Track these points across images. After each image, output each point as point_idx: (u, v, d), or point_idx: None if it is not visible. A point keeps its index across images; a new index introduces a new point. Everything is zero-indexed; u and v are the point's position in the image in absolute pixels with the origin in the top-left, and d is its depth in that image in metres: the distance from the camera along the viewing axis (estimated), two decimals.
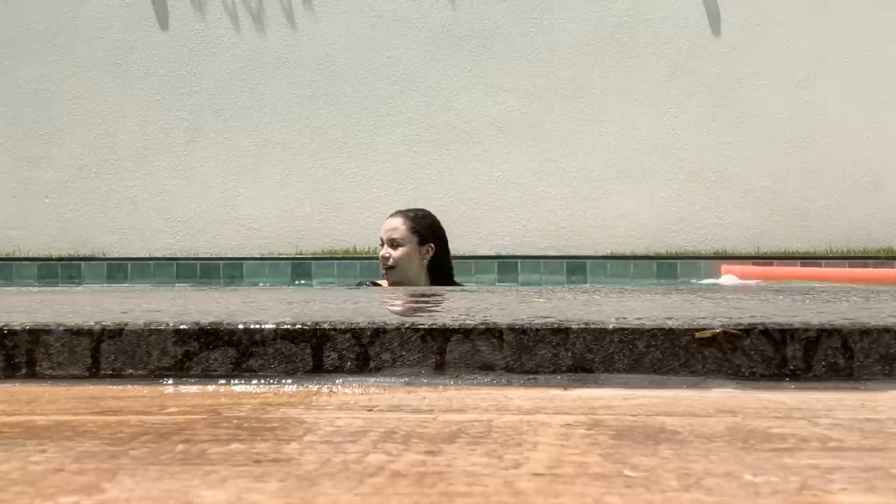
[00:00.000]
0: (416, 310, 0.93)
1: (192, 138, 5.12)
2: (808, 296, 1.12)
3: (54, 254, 4.93)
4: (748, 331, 0.75)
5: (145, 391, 0.75)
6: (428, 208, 5.16)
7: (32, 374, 0.79)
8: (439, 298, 1.14)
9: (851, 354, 0.74)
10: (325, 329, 0.77)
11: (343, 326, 0.77)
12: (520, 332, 0.76)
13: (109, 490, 0.46)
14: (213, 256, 4.84)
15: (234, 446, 0.56)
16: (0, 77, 5.16)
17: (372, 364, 0.77)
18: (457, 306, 0.97)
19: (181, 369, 0.78)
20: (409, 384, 0.76)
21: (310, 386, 0.76)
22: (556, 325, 0.76)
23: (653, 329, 0.75)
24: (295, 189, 5.08)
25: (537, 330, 0.76)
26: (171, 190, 5.11)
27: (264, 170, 5.09)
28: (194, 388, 0.76)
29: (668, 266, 4.53)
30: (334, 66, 5.12)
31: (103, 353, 0.78)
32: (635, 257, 4.54)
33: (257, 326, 0.78)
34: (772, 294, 1.17)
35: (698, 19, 5.06)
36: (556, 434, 0.58)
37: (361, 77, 5.10)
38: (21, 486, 0.47)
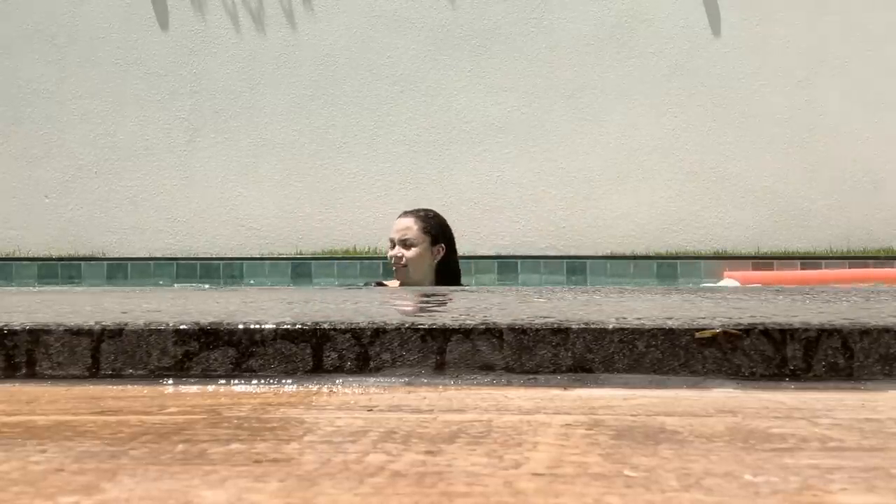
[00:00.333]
0: (416, 310, 0.93)
1: (192, 138, 5.12)
2: (808, 296, 1.12)
3: (54, 254, 4.93)
4: (748, 331, 0.75)
5: (145, 391, 0.75)
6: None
7: (32, 374, 0.79)
8: (439, 298, 1.14)
9: (851, 354, 0.74)
10: (325, 329, 0.77)
11: (343, 326, 0.77)
12: (520, 332, 0.76)
13: (109, 490, 0.46)
14: (213, 256, 4.84)
15: (234, 446, 0.56)
16: (0, 77, 5.16)
17: (372, 364, 0.77)
18: (457, 306, 0.97)
19: (181, 369, 0.78)
20: (409, 384, 0.76)
21: (310, 386, 0.76)
22: (556, 325, 0.76)
23: (653, 329, 0.75)
24: (295, 189, 5.08)
25: (537, 330, 0.76)
26: (171, 190, 5.11)
27: (264, 170, 5.09)
28: (194, 388, 0.76)
29: (668, 266, 4.53)
30: (334, 66, 5.12)
31: (103, 353, 0.78)
32: (635, 257, 4.54)
33: (257, 326, 0.78)
34: (772, 294, 1.17)
35: (698, 19, 5.06)
36: (556, 434, 0.58)
37: (361, 77, 5.10)
38: (21, 486, 0.47)
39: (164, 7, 5.17)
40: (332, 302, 1.03)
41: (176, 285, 4.60)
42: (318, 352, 0.77)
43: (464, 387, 0.75)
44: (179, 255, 4.86)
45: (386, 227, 5.06)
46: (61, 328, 0.78)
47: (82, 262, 4.77)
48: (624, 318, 0.79)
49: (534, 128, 5.03)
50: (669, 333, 0.75)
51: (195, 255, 4.87)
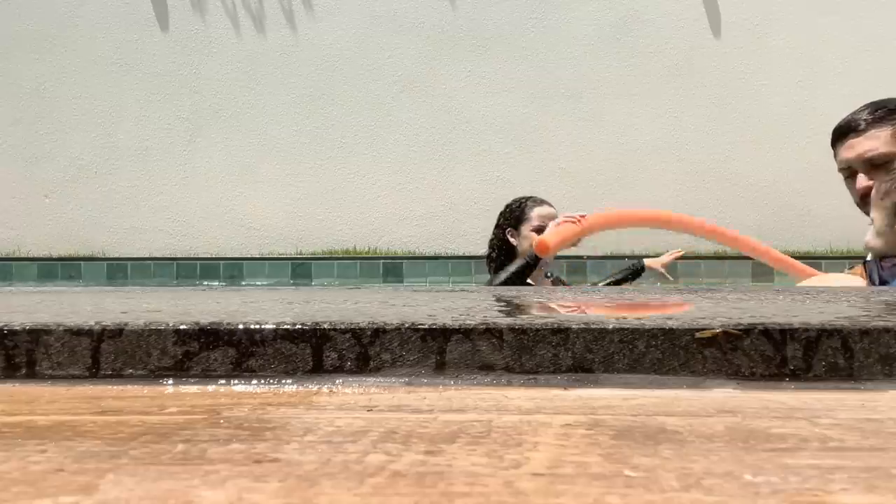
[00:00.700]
0: (416, 309, 0.93)
1: (192, 138, 5.12)
2: (808, 296, 1.12)
3: (54, 254, 4.93)
4: (748, 331, 0.75)
5: (145, 391, 0.75)
6: (428, 208, 5.19)
7: (32, 374, 0.79)
8: (441, 298, 1.14)
9: (851, 354, 0.74)
10: (325, 329, 0.77)
11: (343, 326, 0.77)
12: (520, 332, 0.76)
13: (109, 490, 0.46)
14: (213, 256, 4.84)
15: (234, 446, 0.56)
16: (0, 77, 5.17)
17: (372, 364, 0.77)
18: (457, 306, 0.97)
19: (181, 369, 0.78)
20: (409, 384, 0.75)
21: (310, 386, 0.76)
22: (556, 325, 0.76)
23: (653, 329, 0.75)
24: (295, 189, 5.09)
25: (537, 330, 0.76)
26: (171, 190, 5.11)
27: (264, 170, 5.09)
28: (194, 388, 0.75)
29: (668, 267, 4.52)
30: (334, 66, 5.12)
31: (103, 353, 0.78)
32: (635, 257, 4.54)
33: (257, 326, 0.78)
34: (772, 294, 1.17)
35: (698, 19, 5.06)
36: (556, 434, 0.58)
37: (361, 77, 5.10)
38: (21, 485, 0.47)
39: (163, 7, 5.17)
40: (332, 302, 1.03)
41: (176, 285, 4.61)
42: (318, 352, 0.77)
43: (464, 387, 0.74)
44: (179, 255, 4.87)
45: (386, 227, 5.08)
46: (61, 328, 0.78)
47: (82, 262, 4.77)
48: (624, 318, 0.79)
49: (534, 128, 5.04)
50: (669, 333, 0.75)
51: (195, 255, 4.88)
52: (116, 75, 5.15)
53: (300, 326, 0.77)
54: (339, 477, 0.48)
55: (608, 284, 3.12)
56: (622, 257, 4.51)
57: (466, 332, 0.76)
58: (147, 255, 4.89)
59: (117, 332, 0.77)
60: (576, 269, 4.41)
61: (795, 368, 0.74)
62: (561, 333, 0.75)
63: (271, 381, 0.76)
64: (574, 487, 0.46)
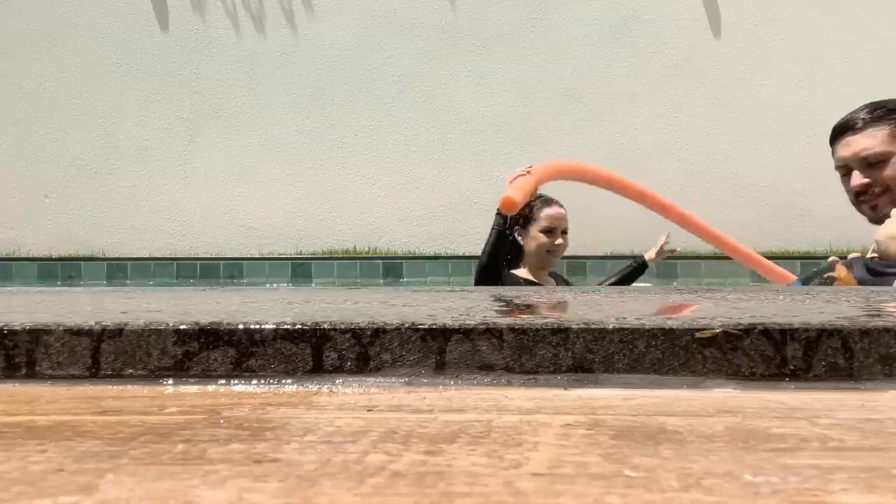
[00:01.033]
0: (416, 309, 0.93)
1: (192, 138, 5.12)
2: (808, 296, 1.12)
3: (54, 254, 4.93)
4: (748, 331, 0.75)
5: (145, 391, 0.75)
6: (428, 208, 5.19)
7: (32, 374, 0.79)
8: (441, 298, 1.14)
9: (851, 354, 0.74)
10: (325, 329, 0.77)
11: (343, 326, 0.77)
12: (520, 332, 0.76)
13: (109, 490, 0.46)
14: (213, 256, 4.85)
15: (234, 446, 0.56)
16: (0, 77, 5.17)
17: (372, 364, 0.77)
18: (457, 306, 0.97)
19: (181, 369, 0.78)
20: (409, 384, 0.75)
21: (310, 386, 0.75)
22: (556, 325, 0.76)
23: (653, 329, 0.75)
24: (295, 189, 5.09)
25: (537, 330, 0.76)
26: (171, 190, 5.11)
27: (264, 170, 5.09)
28: (194, 388, 0.75)
29: (668, 266, 4.53)
30: (334, 66, 5.12)
31: (103, 353, 0.78)
32: (635, 257, 4.54)
33: (257, 326, 0.78)
34: (772, 294, 1.17)
35: (698, 19, 5.06)
36: (556, 434, 0.58)
37: (361, 77, 5.10)
38: (21, 486, 0.47)
39: (164, 7, 5.17)
40: (332, 302, 1.03)
41: (176, 285, 4.61)
42: (318, 352, 0.77)
43: (464, 387, 0.74)
44: (179, 255, 4.87)
45: (386, 227, 5.08)
46: (61, 328, 0.78)
47: (82, 262, 4.77)
48: (624, 318, 0.79)
49: (534, 128, 5.04)
50: (669, 333, 0.75)
51: (195, 255, 4.88)
52: (116, 75, 5.15)
53: (300, 326, 0.77)
54: (339, 477, 0.48)
55: (613, 283, 3.12)
56: (622, 257, 4.51)
57: (466, 332, 0.76)
58: (147, 255, 4.89)
59: (117, 332, 0.77)
60: (575, 270, 4.41)
61: (795, 368, 0.74)
62: (561, 333, 0.75)
63: (271, 381, 0.76)
64: (574, 487, 0.46)
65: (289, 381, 0.76)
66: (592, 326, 0.75)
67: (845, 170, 1.95)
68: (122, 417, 0.64)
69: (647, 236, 4.82)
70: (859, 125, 1.90)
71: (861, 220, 1.99)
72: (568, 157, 5.01)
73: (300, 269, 4.70)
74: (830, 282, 1.71)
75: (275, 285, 4.53)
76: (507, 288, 2.04)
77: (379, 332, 0.76)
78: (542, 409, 0.66)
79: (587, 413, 0.64)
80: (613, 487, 0.45)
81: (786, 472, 0.48)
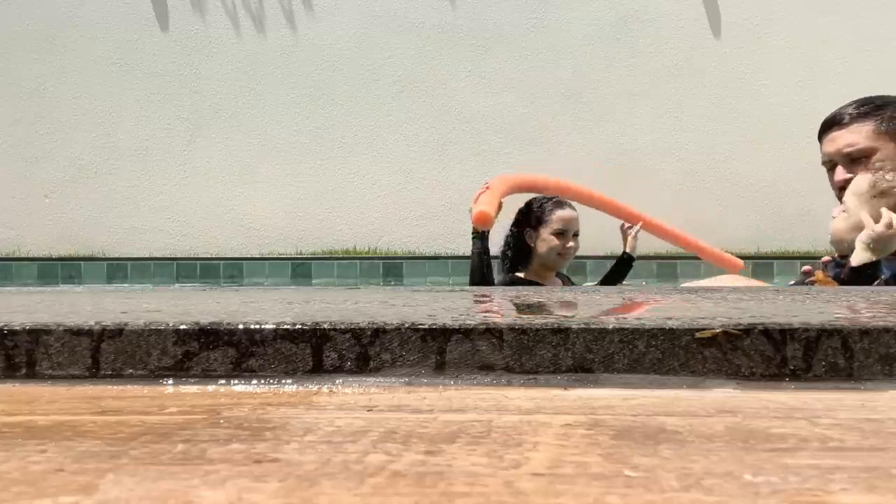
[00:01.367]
0: (416, 309, 0.93)
1: (192, 138, 5.12)
2: (807, 296, 1.12)
3: (54, 254, 4.93)
4: (748, 331, 0.75)
5: (145, 391, 0.75)
6: (428, 208, 5.19)
7: (32, 374, 0.79)
8: (441, 298, 1.14)
9: (851, 354, 0.74)
10: (325, 329, 0.77)
11: (343, 326, 0.77)
12: (520, 332, 0.76)
13: (109, 490, 0.46)
14: (213, 256, 4.85)
15: (234, 446, 0.56)
16: (0, 77, 5.17)
17: (372, 364, 0.77)
18: (457, 306, 0.97)
19: (181, 369, 0.78)
20: (409, 384, 0.75)
21: (310, 386, 0.75)
22: (556, 325, 0.76)
23: (653, 329, 0.75)
24: (295, 189, 5.09)
25: (537, 330, 0.76)
26: (171, 190, 5.11)
27: (264, 170, 5.09)
28: (194, 388, 0.75)
29: (668, 266, 4.53)
30: (334, 66, 5.12)
31: (103, 353, 0.78)
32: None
33: (257, 326, 0.78)
34: (772, 294, 1.17)
35: (698, 19, 5.06)
36: (556, 434, 0.58)
37: (361, 77, 5.10)
38: (21, 486, 0.47)
39: (164, 7, 5.17)
40: (332, 302, 1.03)
41: (176, 285, 4.61)
42: (318, 352, 0.77)
43: (464, 387, 0.74)
44: (179, 255, 4.87)
45: (386, 227, 5.08)
46: (61, 328, 0.78)
47: (82, 262, 4.77)
48: (624, 318, 0.79)
49: (534, 127, 5.04)
50: (669, 333, 0.75)
51: (195, 255, 4.88)
52: (116, 75, 5.15)
53: (300, 326, 0.77)
54: (339, 477, 0.48)
55: (603, 283, 3.12)
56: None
57: (466, 332, 0.76)
58: (147, 255, 4.89)
59: (117, 332, 0.77)
60: (576, 270, 4.41)
61: (795, 368, 0.74)
62: (561, 333, 0.75)
63: (271, 381, 0.76)
64: (574, 487, 0.46)
65: (289, 381, 0.76)
66: (592, 326, 0.75)
67: (830, 164, 1.96)
68: (122, 417, 0.64)
69: (647, 237, 4.83)
70: (845, 121, 1.91)
71: None
72: (568, 156, 5.01)
73: (300, 269, 4.70)
74: (811, 285, 1.73)
75: (268, 285, 4.53)
76: (507, 288, 2.04)
77: (379, 332, 0.76)
78: (542, 409, 0.66)
79: (587, 413, 0.64)
80: (613, 487, 0.45)
81: (786, 472, 0.48)
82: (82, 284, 4.64)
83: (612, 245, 4.75)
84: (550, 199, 2.87)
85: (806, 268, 1.93)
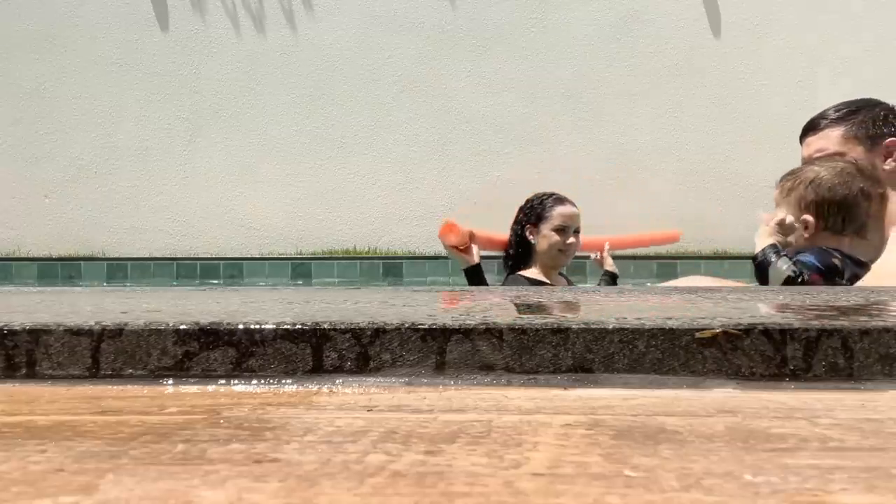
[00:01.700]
0: (416, 309, 0.93)
1: (192, 138, 5.12)
2: (807, 296, 1.12)
3: (54, 254, 4.93)
4: (748, 331, 0.75)
5: (145, 391, 0.75)
6: (428, 208, 5.19)
7: (32, 374, 0.79)
8: (441, 298, 1.14)
9: (851, 354, 0.74)
10: (325, 329, 0.77)
11: (343, 326, 0.77)
12: (520, 332, 0.76)
13: (109, 490, 0.46)
14: (213, 256, 4.84)
15: (234, 446, 0.56)
16: (0, 77, 5.17)
17: (372, 364, 0.77)
18: (457, 306, 0.97)
19: (181, 369, 0.78)
20: (409, 384, 0.75)
21: (310, 386, 0.75)
22: (556, 325, 0.76)
23: (653, 329, 0.75)
24: (295, 189, 5.09)
25: (537, 330, 0.76)
26: (171, 190, 5.11)
27: (264, 170, 5.09)
28: (194, 388, 0.75)
29: (668, 266, 4.53)
30: (334, 66, 5.12)
31: (103, 353, 0.78)
32: (635, 258, 4.55)
33: (257, 326, 0.78)
34: (772, 294, 1.17)
35: (698, 19, 5.06)
36: (556, 434, 0.58)
37: (361, 77, 5.10)
38: (21, 486, 0.47)
39: (164, 7, 5.17)
40: (332, 302, 1.03)
41: (175, 285, 4.61)
42: (318, 352, 0.77)
43: (464, 387, 0.74)
44: (179, 255, 4.87)
45: (386, 227, 5.07)
46: (61, 328, 0.78)
47: (82, 262, 4.77)
48: (624, 318, 0.79)
49: (533, 128, 5.04)
50: (669, 333, 0.75)
51: (195, 255, 4.88)
52: (116, 75, 5.15)
53: (300, 326, 0.77)
54: (339, 477, 0.48)
55: None
56: (622, 258, 4.50)
57: (466, 332, 0.76)
58: (147, 255, 4.89)
59: (117, 332, 0.77)
60: (575, 271, 4.40)
61: (795, 368, 0.74)
62: (561, 333, 0.75)
63: (271, 381, 0.76)
64: (574, 487, 0.46)
65: (289, 381, 0.76)
66: (592, 326, 0.75)
67: None
68: (122, 417, 0.64)
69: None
70: (820, 126, 1.96)
71: None
72: (568, 157, 5.01)
73: (300, 269, 4.70)
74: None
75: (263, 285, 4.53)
76: (507, 288, 2.03)
77: (379, 332, 0.76)
78: (542, 409, 0.66)
79: (587, 413, 0.64)
80: (613, 487, 0.45)
81: (786, 472, 0.48)
82: (82, 284, 4.64)
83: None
84: (551, 195, 2.87)
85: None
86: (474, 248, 2.74)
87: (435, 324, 0.77)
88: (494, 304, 1.02)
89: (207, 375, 0.77)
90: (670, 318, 0.78)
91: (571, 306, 1.05)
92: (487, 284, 2.76)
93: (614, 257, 3.16)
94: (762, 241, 1.95)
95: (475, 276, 2.74)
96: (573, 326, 0.76)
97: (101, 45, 5.15)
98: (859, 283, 1.70)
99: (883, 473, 0.48)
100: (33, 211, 5.13)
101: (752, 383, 0.74)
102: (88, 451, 0.54)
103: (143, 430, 0.60)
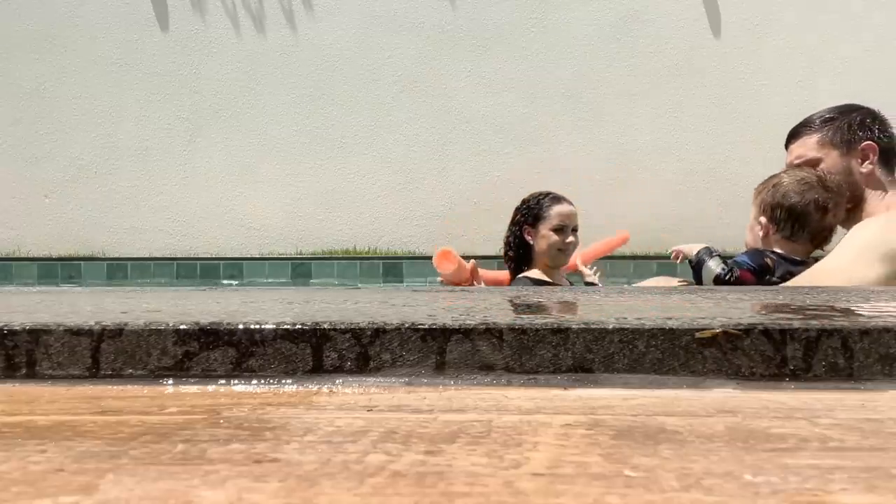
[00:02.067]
0: (416, 309, 0.93)
1: (192, 138, 5.12)
2: (807, 296, 1.12)
3: (54, 254, 4.93)
4: (748, 331, 0.75)
5: (145, 391, 0.75)
6: (428, 208, 5.19)
7: (32, 374, 0.79)
8: (441, 298, 1.14)
9: (851, 354, 0.74)
10: (325, 329, 0.77)
11: (343, 326, 0.77)
12: (520, 332, 0.76)
13: (109, 490, 0.46)
14: (213, 256, 4.84)
15: (234, 446, 0.56)
16: (0, 77, 5.16)
17: (372, 364, 0.77)
18: (457, 306, 0.97)
19: (181, 369, 0.78)
20: (409, 384, 0.75)
21: (310, 386, 0.75)
22: (556, 325, 0.76)
23: (653, 329, 0.75)
24: (295, 189, 5.09)
25: (537, 330, 0.76)
26: (171, 190, 5.11)
27: (264, 170, 5.09)
28: (194, 388, 0.75)
29: (668, 266, 4.53)
30: (334, 66, 5.12)
31: (103, 353, 0.78)
32: (635, 257, 4.55)
33: (257, 326, 0.78)
34: (771, 294, 1.17)
35: (698, 19, 5.06)
36: (556, 434, 0.58)
37: (361, 77, 5.10)
38: (21, 486, 0.47)
39: (163, 7, 5.17)
40: (332, 302, 1.03)
41: (175, 285, 4.61)
42: (318, 352, 0.77)
43: (464, 387, 0.74)
44: (179, 255, 4.87)
45: (386, 227, 5.07)
46: (61, 328, 0.78)
47: (82, 262, 4.77)
48: (624, 318, 0.79)
49: (533, 128, 5.04)
50: (669, 333, 0.75)
51: (195, 255, 4.88)
52: (116, 75, 5.14)
53: (300, 326, 0.77)
54: (339, 477, 0.48)
55: None
56: (622, 258, 4.51)
57: (466, 332, 0.75)
58: (147, 255, 4.89)
59: (117, 332, 0.77)
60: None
61: (795, 368, 0.74)
62: (561, 333, 0.75)
63: (271, 381, 0.76)
64: (574, 487, 0.46)
65: (289, 381, 0.75)
66: (592, 326, 0.75)
67: None
68: (122, 417, 0.64)
69: (646, 237, 4.84)
70: (801, 133, 2.04)
71: None
72: (568, 157, 5.01)
73: (300, 269, 4.70)
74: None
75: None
76: (507, 288, 2.03)
77: (379, 332, 0.76)
78: (542, 409, 0.65)
79: (587, 413, 0.64)
80: (613, 487, 0.45)
81: (786, 472, 0.48)
82: (82, 284, 4.64)
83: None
84: (547, 194, 2.86)
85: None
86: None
87: (435, 324, 0.77)
88: (494, 304, 1.02)
89: (207, 375, 0.77)
90: (670, 318, 0.78)
91: (571, 306, 1.05)
92: None
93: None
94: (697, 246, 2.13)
95: None
96: (573, 326, 0.76)
97: (101, 45, 5.15)
98: (793, 280, 1.79)
99: (883, 473, 0.48)
100: (33, 211, 5.13)
101: (752, 383, 0.74)
102: (88, 451, 0.54)
103: (143, 430, 0.60)
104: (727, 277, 1.87)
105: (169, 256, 4.85)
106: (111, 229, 5.09)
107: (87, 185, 5.13)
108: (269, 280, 4.67)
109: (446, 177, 5.06)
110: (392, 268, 4.69)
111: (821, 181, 1.95)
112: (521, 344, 0.76)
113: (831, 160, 1.93)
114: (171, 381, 0.77)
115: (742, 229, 2.43)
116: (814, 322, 0.76)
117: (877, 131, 1.91)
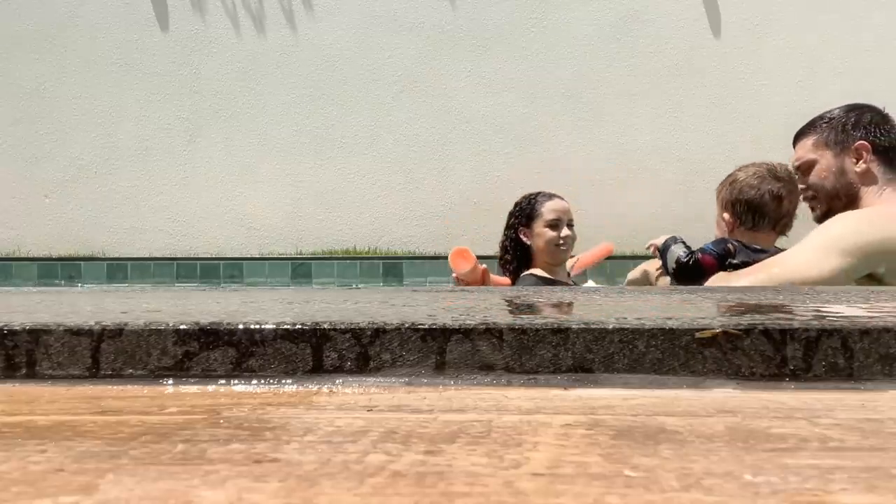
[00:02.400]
0: (416, 309, 0.93)
1: (192, 138, 5.12)
2: (807, 296, 1.12)
3: (54, 254, 4.93)
4: (748, 331, 0.75)
5: (145, 391, 0.75)
6: (428, 208, 5.19)
7: (32, 375, 0.79)
8: (441, 298, 1.14)
9: (851, 354, 0.74)
10: (325, 329, 0.77)
11: (343, 326, 0.77)
12: (520, 332, 0.76)
13: (109, 490, 0.46)
14: (213, 256, 4.84)
15: (234, 446, 0.56)
16: (0, 77, 5.16)
17: (372, 364, 0.77)
18: (457, 306, 0.97)
19: (181, 369, 0.78)
20: (409, 384, 0.75)
21: (310, 386, 0.75)
22: (555, 325, 0.76)
23: (653, 329, 0.75)
24: (295, 189, 5.09)
25: (537, 330, 0.76)
26: (171, 190, 5.11)
27: (264, 170, 5.09)
28: (194, 388, 0.75)
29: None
30: (334, 66, 5.12)
31: (103, 353, 0.78)
32: (635, 257, 4.54)
33: (257, 326, 0.78)
34: (771, 294, 1.17)
35: (698, 19, 5.06)
36: (556, 434, 0.58)
37: (361, 77, 5.10)
38: (21, 486, 0.47)
39: (163, 7, 5.17)
40: (332, 302, 1.03)
41: (176, 285, 4.61)
42: (318, 352, 0.77)
43: (464, 387, 0.74)
44: (179, 255, 4.87)
45: (386, 227, 5.07)
46: (61, 328, 0.78)
47: (82, 262, 4.77)
48: (624, 318, 0.79)
49: (533, 127, 5.04)
50: (669, 333, 0.75)
51: (195, 255, 4.88)
52: (116, 75, 5.15)
53: (300, 326, 0.77)
54: (339, 477, 0.48)
55: None
56: (622, 258, 4.51)
57: (466, 332, 0.75)
58: (147, 255, 4.89)
59: (117, 332, 0.77)
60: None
61: (795, 368, 0.74)
62: (561, 333, 0.75)
63: (271, 381, 0.76)
64: (574, 487, 0.46)
65: (289, 381, 0.75)
66: (592, 326, 0.75)
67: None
68: (122, 417, 0.64)
69: (647, 237, 4.82)
70: (803, 135, 2.08)
71: None
72: (568, 157, 5.01)
73: (300, 269, 4.70)
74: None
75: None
76: (507, 288, 2.04)
77: (379, 332, 0.76)
78: (542, 409, 0.65)
79: (587, 413, 0.64)
80: (613, 487, 0.45)
81: (786, 472, 0.48)
82: (82, 284, 4.64)
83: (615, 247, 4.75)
84: (538, 193, 2.86)
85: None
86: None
87: (435, 324, 0.77)
88: (494, 304, 1.02)
89: (207, 375, 0.77)
90: (670, 318, 0.78)
91: (571, 306, 1.05)
92: None
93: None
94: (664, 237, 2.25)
95: None
96: (573, 326, 0.76)
97: (101, 45, 5.15)
98: (756, 266, 1.84)
99: (883, 473, 0.48)
100: (33, 211, 5.13)
101: (752, 383, 0.74)
102: (88, 451, 0.54)
103: (143, 430, 0.60)
104: (687, 260, 2.02)
105: (169, 256, 4.85)
106: (111, 229, 5.09)
107: (87, 185, 5.13)
108: (269, 280, 4.67)
109: (446, 177, 5.06)
110: (392, 268, 4.69)
111: (771, 172, 2.18)
112: (521, 344, 0.76)
113: (826, 161, 1.96)
114: (171, 381, 0.77)
115: None
116: (814, 322, 0.76)
117: (873, 130, 1.92)
